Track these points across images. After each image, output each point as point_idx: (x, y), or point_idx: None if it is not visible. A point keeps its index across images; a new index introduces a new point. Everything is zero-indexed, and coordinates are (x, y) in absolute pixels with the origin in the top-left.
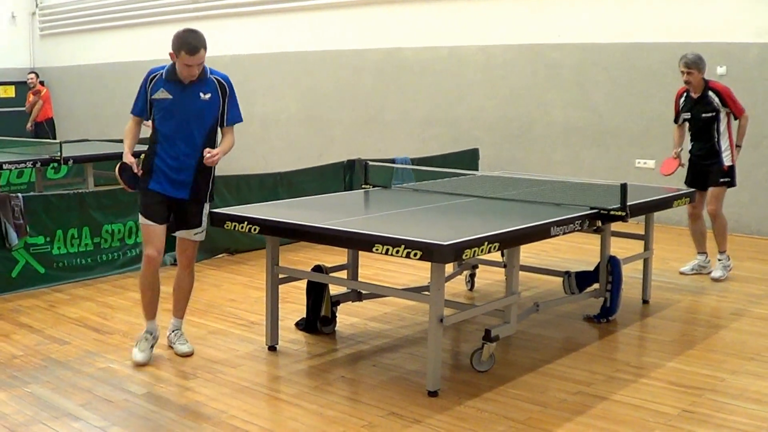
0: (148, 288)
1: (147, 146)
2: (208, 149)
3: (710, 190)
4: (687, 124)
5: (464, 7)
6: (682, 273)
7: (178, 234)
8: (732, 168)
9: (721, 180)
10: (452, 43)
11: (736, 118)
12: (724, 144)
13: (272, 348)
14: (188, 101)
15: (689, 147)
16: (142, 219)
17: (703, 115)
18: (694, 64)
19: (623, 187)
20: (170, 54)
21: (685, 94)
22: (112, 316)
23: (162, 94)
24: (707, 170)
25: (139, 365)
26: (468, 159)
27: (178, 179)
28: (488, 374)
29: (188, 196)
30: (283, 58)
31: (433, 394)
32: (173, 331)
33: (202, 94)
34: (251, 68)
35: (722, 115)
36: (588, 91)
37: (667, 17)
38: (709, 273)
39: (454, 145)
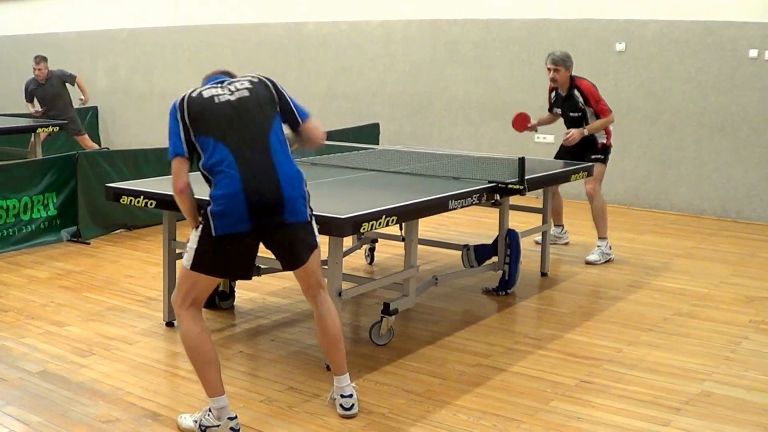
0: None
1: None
2: None
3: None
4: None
5: None
6: (536, 242)
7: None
8: (606, 147)
9: (593, 156)
10: (353, 17)
11: (599, 118)
12: (598, 135)
13: (170, 324)
14: None
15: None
16: None
17: (571, 114)
18: (561, 62)
19: (521, 161)
20: None
21: (555, 89)
22: (6, 294)
23: None
24: (579, 153)
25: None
26: (368, 133)
27: None
28: (387, 347)
29: None
30: (182, 32)
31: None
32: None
33: None
34: (150, 42)
35: (589, 114)
36: (488, 67)
37: None
38: (566, 243)
39: (354, 120)
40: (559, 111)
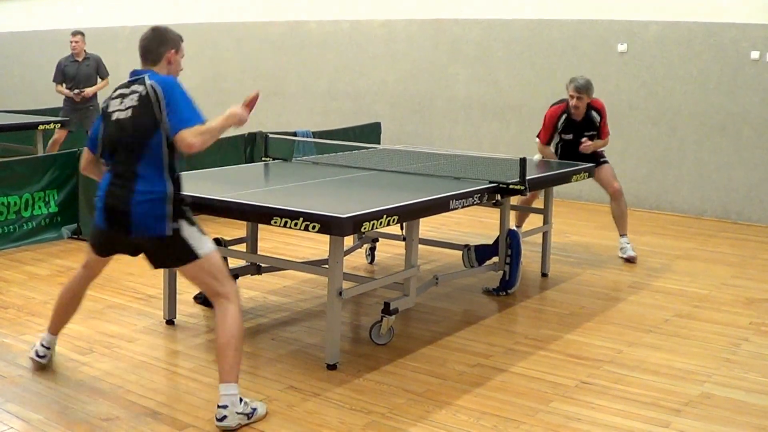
0: None
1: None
2: None
3: (602, 170)
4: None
5: None
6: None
7: None
8: (603, 153)
9: (601, 160)
10: (355, 17)
11: (599, 138)
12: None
13: (170, 322)
14: None
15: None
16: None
17: (586, 133)
18: (584, 89)
19: (522, 162)
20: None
21: (564, 116)
22: (6, 290)
23: None
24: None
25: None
26: (370, 133)
27: None
28: (387, 347)
29: None
30: (184, 29)
31: (332, 367)
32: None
33: None
34: None
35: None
36: (490, 67)
37: None
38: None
39: (355, 119)
40: (569, 137)
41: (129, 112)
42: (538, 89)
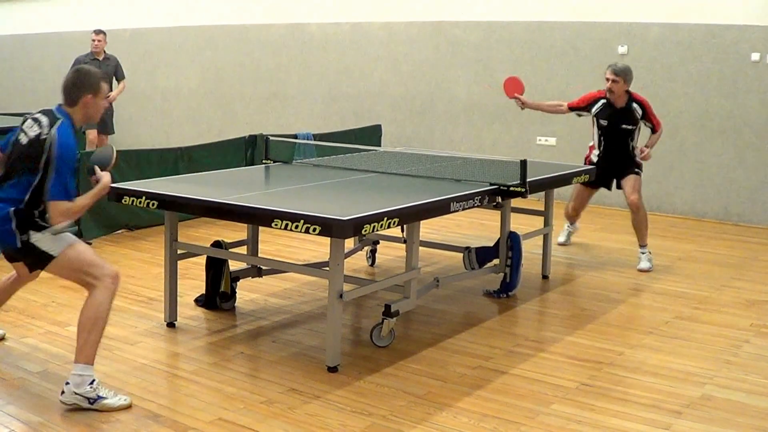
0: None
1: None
2: None
3: (627, 180)
4: (596, 127)
5: None
6: (560, 244)
7: None
8: (641, 164)
9: (635, 169)
10: (355, 19)
11: (654, 131)
12: (637, 151)
13: (171, 324)
14: None
15: (597, 151)
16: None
17: (623, 126)
18: (621, 73)
19: (523, 164)
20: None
21: (603, 101)
22: None
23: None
24: (618, 169)
25: None
26: (370, 135)
27: None
28: (388, 349)
29: None
30: (186, 32)
31: (332, 369)
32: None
33: None
34: (153, 42)
35: (639, 126)
36: (490, 69)
37: None
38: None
39: (356, 121)
40: (604, 122)
41: (24, 141)
42: (539, 91)
